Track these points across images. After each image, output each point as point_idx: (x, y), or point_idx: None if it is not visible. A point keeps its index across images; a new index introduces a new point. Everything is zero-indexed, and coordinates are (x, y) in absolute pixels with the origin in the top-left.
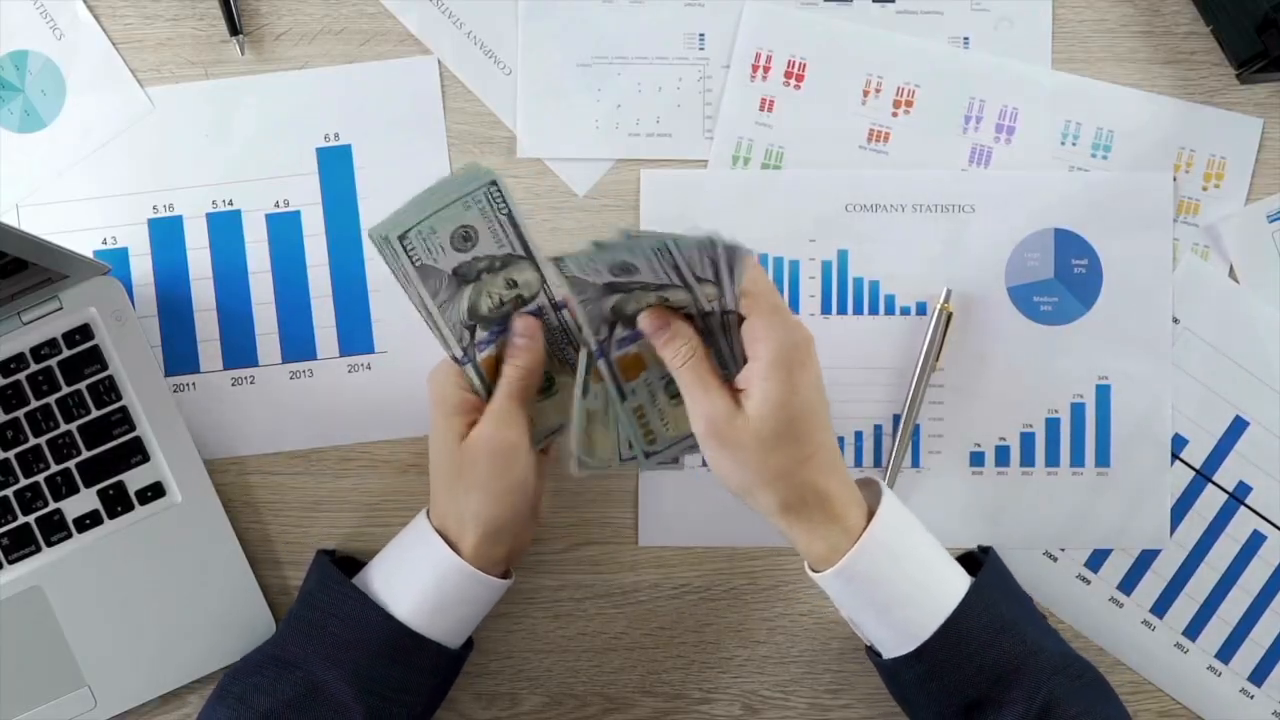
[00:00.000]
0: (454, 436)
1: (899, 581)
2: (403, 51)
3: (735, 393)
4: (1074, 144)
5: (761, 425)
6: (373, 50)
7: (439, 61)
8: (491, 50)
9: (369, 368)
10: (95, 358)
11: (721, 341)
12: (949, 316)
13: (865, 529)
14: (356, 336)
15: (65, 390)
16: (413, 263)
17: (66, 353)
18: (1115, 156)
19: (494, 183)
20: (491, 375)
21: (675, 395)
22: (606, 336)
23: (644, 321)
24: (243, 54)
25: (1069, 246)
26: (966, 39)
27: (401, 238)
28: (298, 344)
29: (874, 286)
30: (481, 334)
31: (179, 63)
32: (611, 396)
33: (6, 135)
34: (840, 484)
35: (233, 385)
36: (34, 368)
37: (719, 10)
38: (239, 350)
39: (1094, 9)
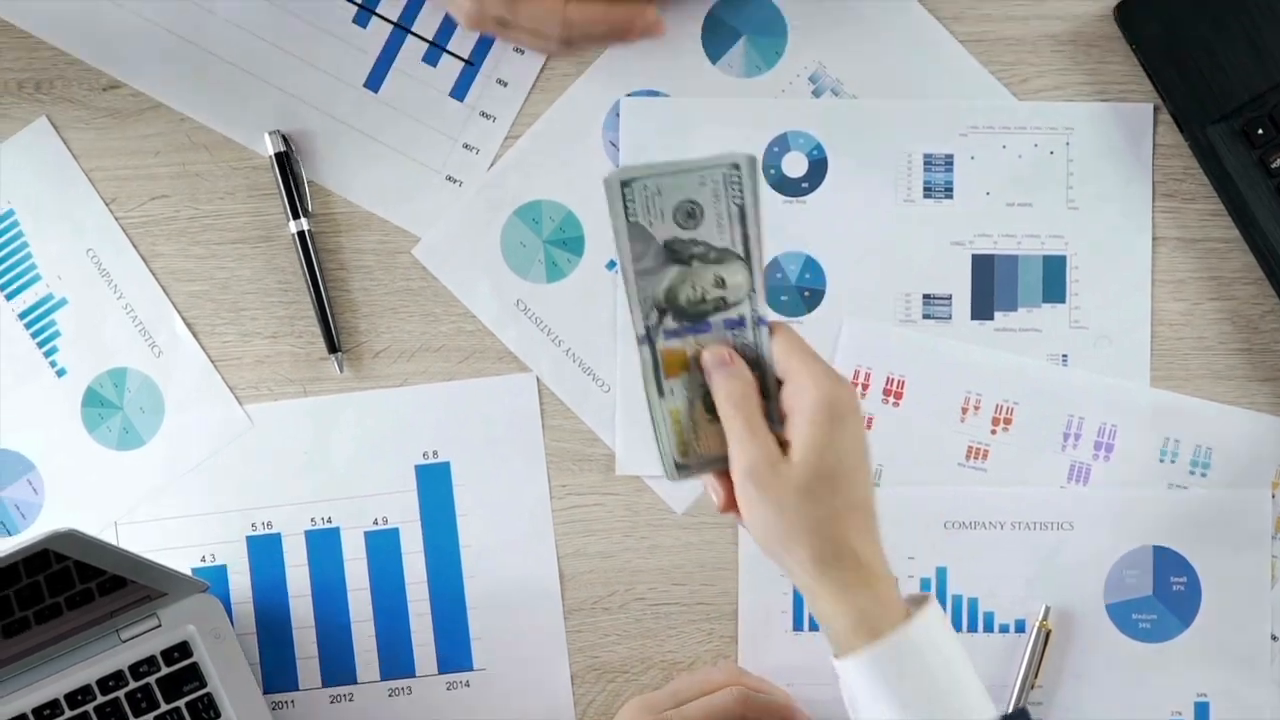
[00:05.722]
0: None
1: (937, 679)
2: (501, 369)
3: (781, 442)
4: (1173, 461)
5: (802, 472)
6: (471, 367)
7: (537, 379)
8: (590, 368)
9: (468, 684)
10: (194, 675)
11: (771, 401)
12: (1048, 634)
13: (904, 621)
14: (455, 654)
15: (164, 708)
16: (627, 216)
17: (165, 670)
18: (1213, 473)
19: (736, 165)
20: (670, 370)
21: (711, 411)
22: (656, 322)
23: (708, 357)
24: (341, 371)
25: (1168, 564)
26: (1065, 356)
27: (625, 184)
28: (396, 661)
29: (973, 604)
30: (671, 323)
31: (277, 380)
32: (648, 391)
33: (105, 453)
34: (876, 550)
35: (331, 703)
36: (132, 685)
37: (817, 323)
38: (337, 667)
39: (1192, 326)
